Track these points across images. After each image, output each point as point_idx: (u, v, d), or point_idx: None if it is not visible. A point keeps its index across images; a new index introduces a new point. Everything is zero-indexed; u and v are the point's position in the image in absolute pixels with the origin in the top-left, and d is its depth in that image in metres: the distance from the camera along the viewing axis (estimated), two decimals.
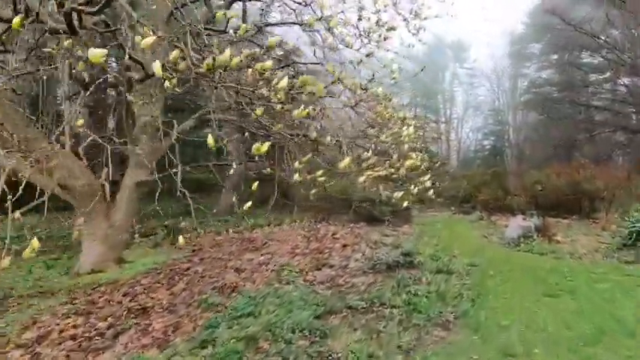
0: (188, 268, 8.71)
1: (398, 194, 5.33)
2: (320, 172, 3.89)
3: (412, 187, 5.69)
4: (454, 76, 51.50)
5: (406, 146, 5.33)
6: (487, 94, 45.87)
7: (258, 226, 14.52)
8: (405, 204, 5.29)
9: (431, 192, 5.45)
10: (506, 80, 43.11)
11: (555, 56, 31.40)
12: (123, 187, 9.54)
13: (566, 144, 25.39)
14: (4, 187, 3.80)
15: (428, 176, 5.87)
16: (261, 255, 9.59)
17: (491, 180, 20.11)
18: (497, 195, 16.78)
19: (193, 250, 10.90)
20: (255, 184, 3.78)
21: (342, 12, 6.27)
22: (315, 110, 4.14)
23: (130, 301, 6.60)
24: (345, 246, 10.02)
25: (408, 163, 5.12)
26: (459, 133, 49.07)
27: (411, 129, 4.86)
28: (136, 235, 13.08)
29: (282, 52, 8.07)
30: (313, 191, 5.14)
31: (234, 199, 4.90)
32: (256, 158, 3.95)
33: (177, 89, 2.87)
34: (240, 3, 10.60)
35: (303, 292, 6.74)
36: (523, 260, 8.93)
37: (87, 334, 5.35)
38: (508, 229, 11.20)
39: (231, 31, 4.35)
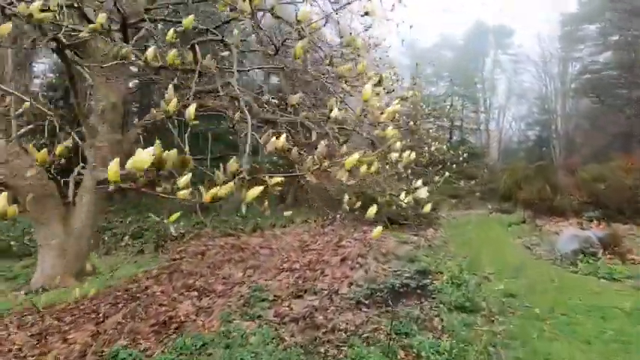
0: (147, 288, 6.90)
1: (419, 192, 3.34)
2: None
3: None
4: (496, 63, 47.36)
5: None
6: (532, 80, 41.54)
7: (263, 227, 12.64)
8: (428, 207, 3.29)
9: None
10: (555, 65, 38.63)
11: (615, 37, 27.22)
12: (82, 187, 7.87)
13: (626, 133, 21.62)
14: None
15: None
16: (242, 271, 7.64)
17: (535, 175, 17.05)
18: (543, 193, 13.87)
19: (174, 259, 9.16)
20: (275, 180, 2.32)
21: None
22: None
23: (28, 346, 4.81)
24: (343, 260, 7.86)
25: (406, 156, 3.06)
26: (500, 123, 45.02)
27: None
28: (126, 237, 11.63)
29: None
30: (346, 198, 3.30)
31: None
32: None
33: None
34: None
35: (265, 337, 4.71)
36: (585, 290, 6.24)
37: None
38: (561, 240, 8.54)
39: None
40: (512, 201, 16.54)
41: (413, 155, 2.76)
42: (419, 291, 6.32)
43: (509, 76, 44.71)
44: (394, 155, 2.93)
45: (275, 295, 6.10)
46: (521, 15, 50.30)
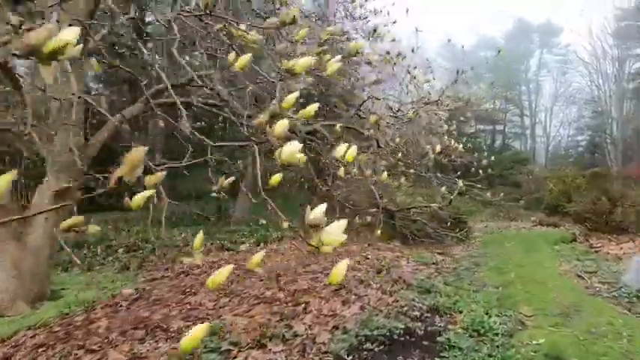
0: (92, 322, 5.61)
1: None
2: None
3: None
4: (541, 64, 43.75)
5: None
6: (583, 81, 37.75)
7: (267, 240, 11.22)
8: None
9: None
10: (609, 64, 34.78)
11: None
12: (39, 197, 6.78)
13: None
14: None
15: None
16: (217, 299, 6.21)
17: (588, 184, 14.54)
18: (599, 206, 11.46)
19: (153, 279, 7.91)
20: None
21: None
22: None
23: None
24: (337, 290, 6.21)
25: None
26: (547, 127, 41.34)
27: None
28: (120, 250, 10.59)
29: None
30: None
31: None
32: None
33: None
34: None
35: None
36: None
37: None
38: (629, 273, 6.42)
39: None
40: (559, 214, 14.11)
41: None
42: (425, 342, 4.58)
43: (555, 77, 41.02)
44: None
45: (232, 343, 4.58)
46: (569, 11, 46.12)
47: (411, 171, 7.04)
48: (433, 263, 8.69)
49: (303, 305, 5.62)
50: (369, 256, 9.13)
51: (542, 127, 42.08)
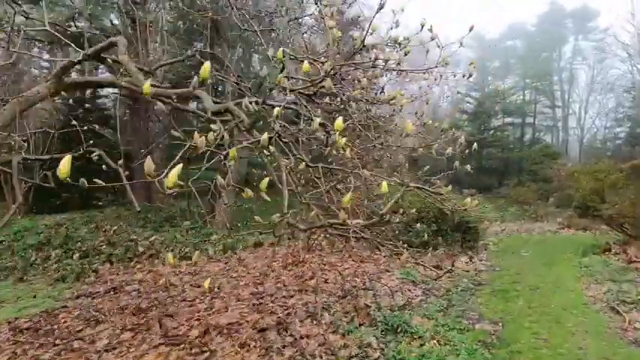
0: None
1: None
2: None
3: None
4: (576, 52, 39.85)
5: None
6: (622, 67, 33.87)
7: (236, 247, 9.63)
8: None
9: None
10: None
11: None
12: None
13: None
14: None
15: None
16: (96, 342, 4.65)
17: (627, 180, 11.94)
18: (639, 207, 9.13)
19: (78, 297, 6.49)
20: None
21: None
22: None
23: None
24: (264, 331, 4.49)
25: None
26: (581, 119, 37.63)
27: None
28: (75, 256, 9.30)
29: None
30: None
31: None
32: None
33: None
34: None
35: None
36: None
37: None
38: None
39: None
40: (589, 216, 11.75)
41: None
42: None
43: (592, 65, 37.17)
44: None
45: None
46: None
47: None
48: (424, 282, 6.82)
49: (206, 356, 3.96)
50: (347, 270, 7.36)
51: (575, 118, 38.40)
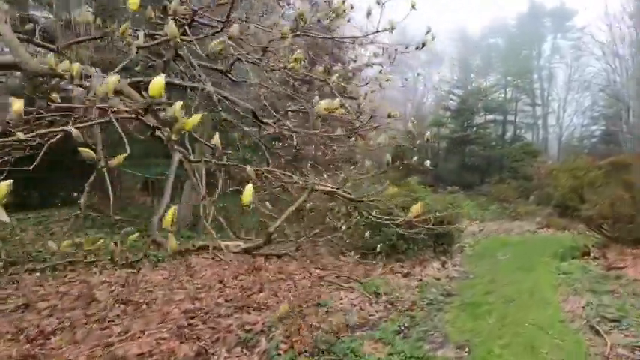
0: None
1: None
2: None
3: None
4: (554, 49, 39.80)
5: None
6: (598, 65, 33.80)
7: (190, 251, 8.67)
8: None
9: None
10: (626, 48, 30.80)
11: None
12: None
13: None
14: None
15: None
16: None
17: (605, 178, 11.30)
18: (621, 207, 8.52)
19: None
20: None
21: None
22: None
23: None
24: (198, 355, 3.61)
25: None
26: (560, 117, 37.57)
27: None
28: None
29: None
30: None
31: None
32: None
33: None
34: None
35: None
36: None
37: None
38: None
39: None
40: (568, 215, 11.18)
41: None
42: None
43: (569, 63, 37.11)
44: None
45: None
46: None
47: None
48: (386, 294, 6.01)
49: None
50: (303, 280, 6.51)
51: (554, 116, 38.35)
